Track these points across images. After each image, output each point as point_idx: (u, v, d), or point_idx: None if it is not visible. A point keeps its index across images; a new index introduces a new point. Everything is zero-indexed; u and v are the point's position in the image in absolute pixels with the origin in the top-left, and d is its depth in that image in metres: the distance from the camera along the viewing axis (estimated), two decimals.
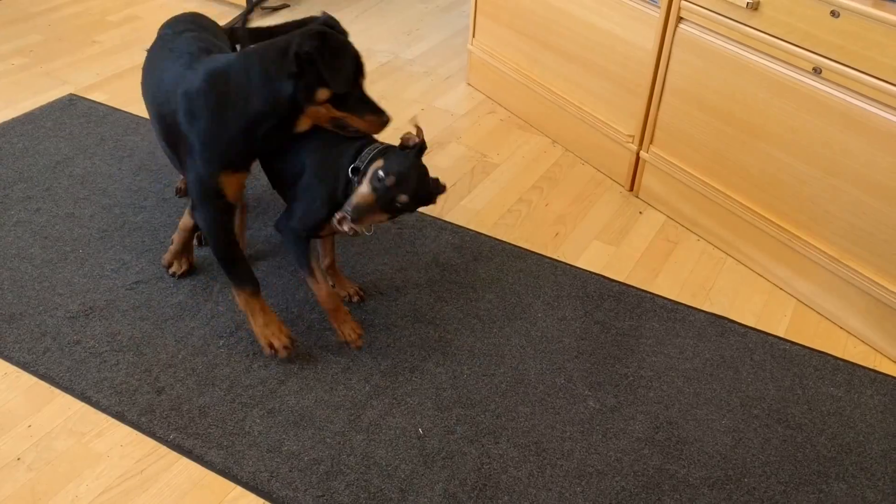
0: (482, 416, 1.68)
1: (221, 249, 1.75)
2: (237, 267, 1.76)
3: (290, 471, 1.55)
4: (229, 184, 1.71)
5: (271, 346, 1.75)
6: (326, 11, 1.89)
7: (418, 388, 1.74)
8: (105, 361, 1.75)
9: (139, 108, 2.67)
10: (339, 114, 1.70)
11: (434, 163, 2.49)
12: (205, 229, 1.75)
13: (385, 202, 1.61)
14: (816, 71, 1.82)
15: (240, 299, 1.77)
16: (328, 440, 1.62)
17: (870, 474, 1.61)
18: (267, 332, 1.76)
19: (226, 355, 1.79)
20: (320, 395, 1.71)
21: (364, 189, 1.62)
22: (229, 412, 1.66)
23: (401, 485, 1.54)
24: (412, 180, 1.62)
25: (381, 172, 1.60)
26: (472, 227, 2.24)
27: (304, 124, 1.71)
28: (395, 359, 1.80)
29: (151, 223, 2.16)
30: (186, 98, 1.68)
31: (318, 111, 1.68)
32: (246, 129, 1.67)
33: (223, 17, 3.32)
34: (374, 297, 1.97)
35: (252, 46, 1.76)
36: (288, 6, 3.49)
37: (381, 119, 1.73)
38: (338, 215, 1.61)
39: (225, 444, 1.59)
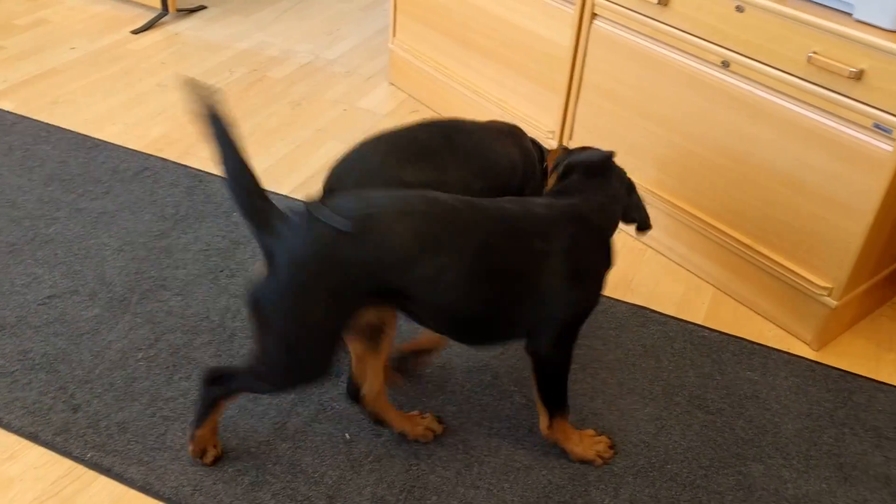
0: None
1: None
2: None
3: (215, 483, 1.52)
4: None
5: (601, 456, 1.62)
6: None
7: (344, 393, 1.72)
8: (16, 381, 1.69)
9: (49, 116, 2.59)
10: None
11: None
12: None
13: None
14: (725, 64, 1.86)
15: (562, 424, 1.59)
16: (253, 450, 1.59)
17: (785, 454, 1.66)
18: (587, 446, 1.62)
19: (145, 368, 1.74)
20: (244, 405, 1.68)
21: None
22: (150, 427, 1.62)
23: (328, 491, 1.52)
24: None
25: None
26: None
27: None
28: None
29: (64, 235, 2.09)
30: None
31: None
32: None
33: (139, 19, 3.24)
34: None
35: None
36: (205, 7, 3.42)
37: None
38: None
39: (146, 459, 1.55)
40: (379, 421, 1.62)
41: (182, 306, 1.91)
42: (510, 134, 1.78)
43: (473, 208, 1.39)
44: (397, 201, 1.35)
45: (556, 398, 1.56)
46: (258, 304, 1.34)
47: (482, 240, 1.36)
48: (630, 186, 1.67)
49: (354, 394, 1.58)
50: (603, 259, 1.53)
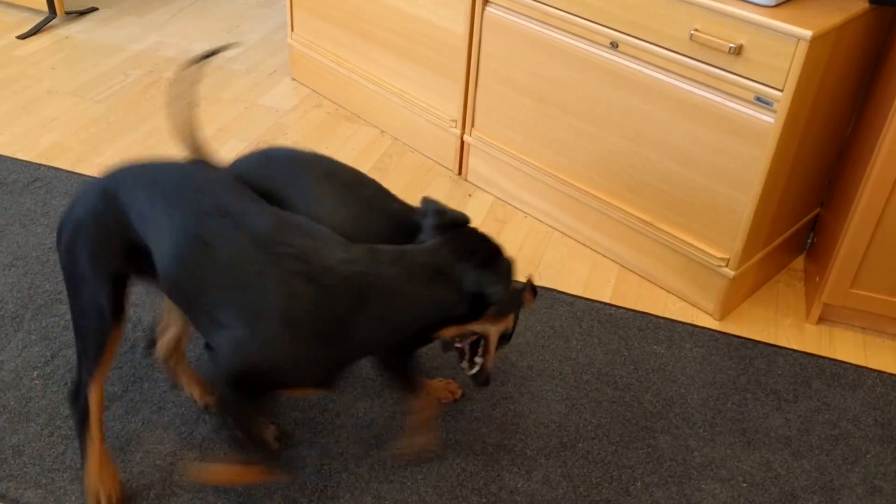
0: (321, 416, 1.66)
1: None
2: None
3: (118, 501, 1.47)
4: None
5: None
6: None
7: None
8: None
9: None
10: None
11: None
12: None
13: None
14: (613, 45, 1.89)
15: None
16: (158, 462, 1.55)
17: (691, 423, 1.70)
18: None
19: (41, 387, 1.67)
20: (148, 417, 1.63)
21: None
22: (47, 447, 1.55)
23: (238, 498, 1.49)
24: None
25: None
26: None
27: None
28: None
29: None
30: None
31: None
32: None
33: (25, 23, 3.10)
34: None
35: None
36: (96, 9, 3.30)
37: None
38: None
39: (43, 482, 1.49)
40: (173, 381, 1.66)
41: None
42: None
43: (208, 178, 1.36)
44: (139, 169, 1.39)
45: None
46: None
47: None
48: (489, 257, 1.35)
49: (151, 343, 1.61)
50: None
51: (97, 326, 1.38)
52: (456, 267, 1.30)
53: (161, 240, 1.31)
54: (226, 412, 1.37)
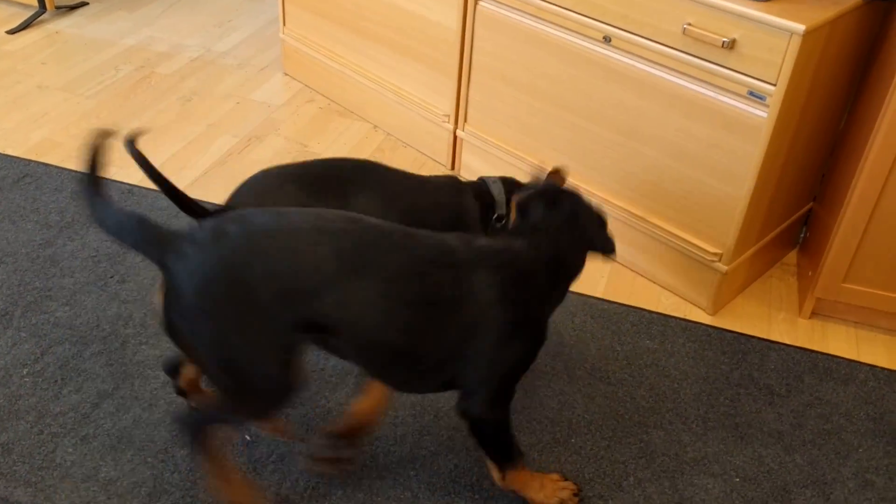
0: (311, 412, 1.65)
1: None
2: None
3: (109, 498, 1.46)
4: None
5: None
6: None
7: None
8: None
9: None
10: None
11: (253, 157, 2.42)
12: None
13: None
14: (607, 40, 1.88)
15: (516, 474, 1.46)
16: (150, 460, 1.54)
17: (684, 418, 1.70)
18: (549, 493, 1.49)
19: (31, 384, 1.66)
20: (139, 414, 1.62)
21: None
22: (37, 445, 1.55)
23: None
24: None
25: None
26: None
27: None
28: None
29: None
30: None
31: None
32: None
33: (14, 18, 3.08)
34: None
35: None
36: (87, 3, 3.27)
37: None
38: None
39: (33, 480, 1.48)
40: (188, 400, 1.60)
41: (70, 316, 1.83)
42: (445, 185, 1.68)
43: (403, 232, 1.27)
44: (315, 217, 1.22)
45: (502, 453, 1.43)
46: (174, 333, 1.23)
47: (407, 265, 1.24)
48: (601, 222, 1.51)
49: (173, 368, 1.55)
50: (541, 306, 1.38)
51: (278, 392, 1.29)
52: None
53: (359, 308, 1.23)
54: (505, 436, 1.43)
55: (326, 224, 1.23)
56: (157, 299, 1.24)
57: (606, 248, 1.50)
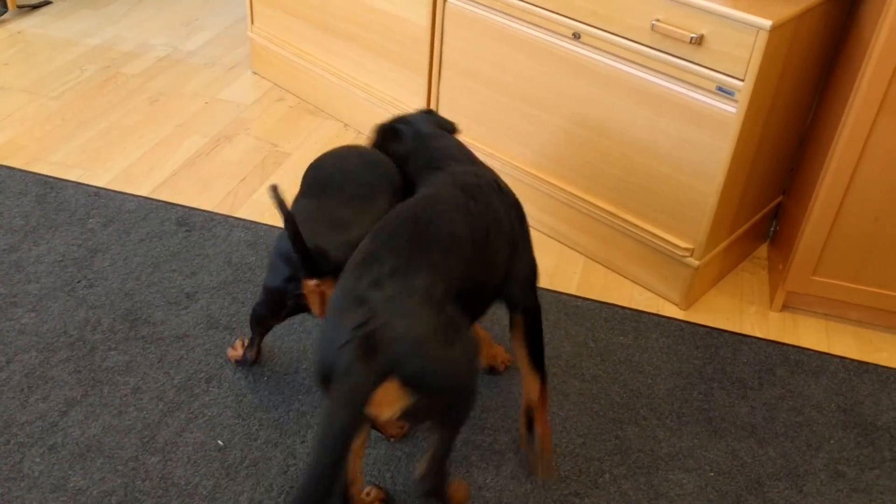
0: (286, 416, 1.64)
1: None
2: None
3: None
4: None
5: None
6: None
7: (216, 398, 1.66)
8: None
9: None
10: None
11: (222, 157, 2.39)
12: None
13: None
14: (576, 36, 1.88)
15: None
16: (119, 468, 1.51)
17: (658, 414, 1.71)
18: None
19: None
20: (108, 421, 1.60)
21: None
22: (3, 455, 1.51)
23: (203, 502, 1.47)
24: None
25: None
26: (266, 221, 2.16)
27: None
28: (189, 370, 1.71)
29: None
30: None
31: None
32: None
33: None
34: (161, 307, 1.86)
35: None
36: (50, 2, 3.21)
37: None
38: None
39: (0, 491, 1.45)
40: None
41: (36, 323, 1.79)
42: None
43: (444, 200, 1.38)
44: (396, 305, 1.20)
45: (543, 354, 1.53)
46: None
47: (473, 223, 1.37)
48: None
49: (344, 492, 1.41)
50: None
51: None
52: None
53: None
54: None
55: (406, 307, 1.20)
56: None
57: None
